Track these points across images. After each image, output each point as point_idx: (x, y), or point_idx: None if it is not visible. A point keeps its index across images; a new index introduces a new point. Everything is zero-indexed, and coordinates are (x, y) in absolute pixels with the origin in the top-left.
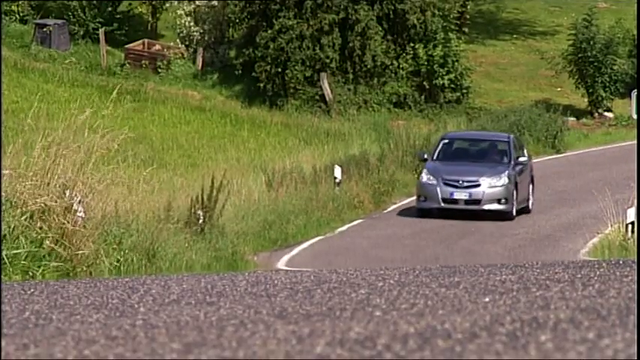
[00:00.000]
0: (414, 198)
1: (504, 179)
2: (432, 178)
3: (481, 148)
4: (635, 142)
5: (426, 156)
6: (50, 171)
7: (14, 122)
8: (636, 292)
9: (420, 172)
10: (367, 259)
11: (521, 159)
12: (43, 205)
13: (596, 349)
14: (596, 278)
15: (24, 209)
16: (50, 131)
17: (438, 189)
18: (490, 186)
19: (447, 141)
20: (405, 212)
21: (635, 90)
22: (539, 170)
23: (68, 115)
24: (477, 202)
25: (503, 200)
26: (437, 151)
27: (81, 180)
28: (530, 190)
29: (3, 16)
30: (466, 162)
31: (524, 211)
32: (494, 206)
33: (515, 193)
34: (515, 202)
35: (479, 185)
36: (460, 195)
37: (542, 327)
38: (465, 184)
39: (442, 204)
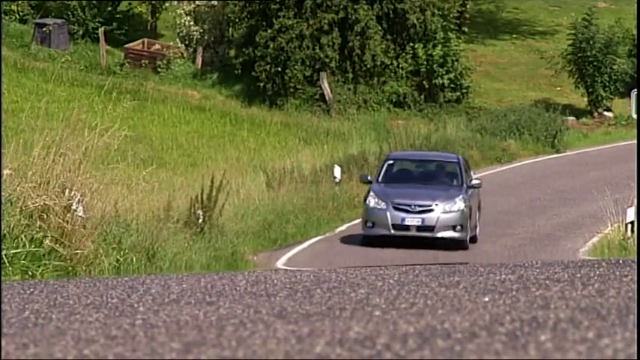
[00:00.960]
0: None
1: (460, 204)
2: (380, 202)
3: (430, 169)
4: (635, 141)
5: (369, 178)
6: (49, 170)
7: (14, 122)
8: (636, 291)
9: (366, 196)
10: (367, 259)
11: (474, 182)
12: (42, 204)
13: (595, 349)
14: (595, 278)
15: (24, 208)
16: (49, 131)
17: (388, 214)
18: (444, 211)
19: (392, 162)
20: None
21: (635, 90)
22: (539, 170)
23: (68, 115)
24: (430, 229)
25: (458, 227)
26: (382, 173)
27: (80, 179)
28: (478, 217)
29: (3, 15)
30: (416, 185)
31: (471, 240)
32: (449, 234)
33: (469, 219)
34: (469, 230)
35: (432, 210)
36: (412, 221)
37: (541, 326)
38: (418, 208)
39: (392, 231)
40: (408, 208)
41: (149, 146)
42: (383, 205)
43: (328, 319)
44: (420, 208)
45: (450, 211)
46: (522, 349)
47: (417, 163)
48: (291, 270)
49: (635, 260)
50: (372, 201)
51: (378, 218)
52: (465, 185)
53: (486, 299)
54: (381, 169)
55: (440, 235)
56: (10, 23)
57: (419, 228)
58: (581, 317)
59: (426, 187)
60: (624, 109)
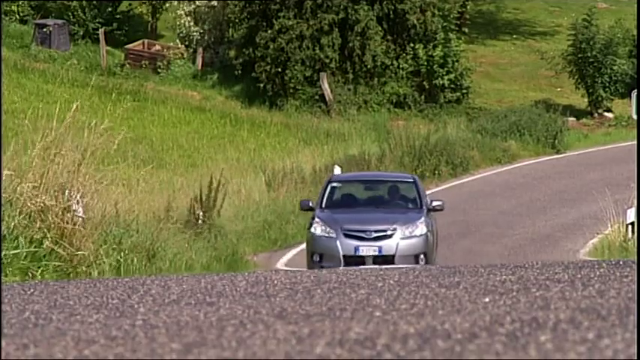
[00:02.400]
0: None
1: (422, 228)
2: (328, 229)
3: (381, 191)
4: (635, 142)
5: (311, 204)
6: (49, 171)
7: (14, 123)
8: (636, 292)
9: (310, 224)
10: None
11: (436, 203)
12: (42, 204)
13: (595, 350)
14: (596, 278)
15: (23, 209)
16: (49, 131)
17: (338, 243)
18: (404, 236)
19: (336, 184)
20: None
21: (635, 90)
22: (539, 171)
23: (68, 116)
24: (389, 258)
25: (422, 256)
26: (325, 198)
27: (80, 180)
28: (436, 246)
29: (3, 16)
30: (367, 209)
31: None
32: (411, 264)
33: (434, 248)
34: (433, 261)
35: (390, 236)
36: (368, 250)
37: (542, 327)
38: (374, 234)
39: (343, 264)
40: (362, 234)
41: (149, 147)
42: (331, 232)
43: (328, 320)
44: (377, 234)
45: (412, 236)
46: (522, 350)
47: (366, 184)
48: (292, 270)
49: (636, 261)
50: (317, 229)
51: (325, 249)
52: (424, 208)
53: (487, 300)
54: (324, 194)
55: (401, 265)
56: (10, 24)
57: (375, 259)
58: (582, 318)
59: (381, 210)
60: (624, 110)
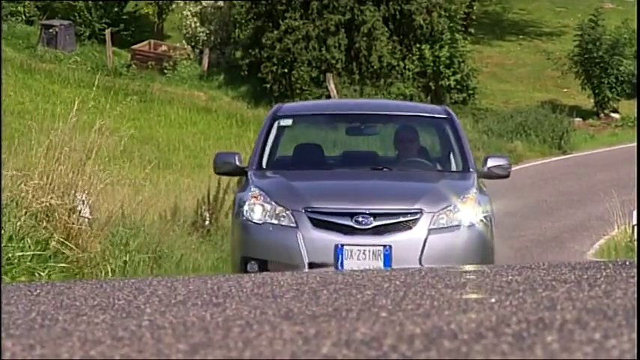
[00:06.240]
0: None
1: (473, 208)
2: (278, 210)
3: (383, 137)
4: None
5: (237, 159)
6: (54, 171)
7: (20, 123)
8: (636, 292)
9: (239, 202)
10: None
11: (495, 162)
12: (48, 204)
13: (602, 350)
14: (602, 279)
15: (29, 209)
16: (54, 131)
17: (300, 239)
18: (438, 227)
19: (289, 122)
20: None
21: None
22: (545, 172)
23: (73, 116)
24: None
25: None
26: (268, 148)
27: (84, 179)
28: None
29: (9, 17)
30: (356, 171)
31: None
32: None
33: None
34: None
35: (409, 226)
36: (362, 253)
37: (548, 327)
38: (373, 221)
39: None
40: (348, 222)
41: (156, 147)
42: (285, 216)
43: (335, 321)
44: (380, 221)
45: (453, 227)
46: (529, 350)
47: (350, 123)
48: (298, 271)
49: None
50: (255, 210)
51: (272, 251)
52: (473, 170)
53: (493, 300)
54: (265, 140)
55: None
56: (16, 24)
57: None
58: (588, 318)
59: (385, 174)
60: (631, 111)
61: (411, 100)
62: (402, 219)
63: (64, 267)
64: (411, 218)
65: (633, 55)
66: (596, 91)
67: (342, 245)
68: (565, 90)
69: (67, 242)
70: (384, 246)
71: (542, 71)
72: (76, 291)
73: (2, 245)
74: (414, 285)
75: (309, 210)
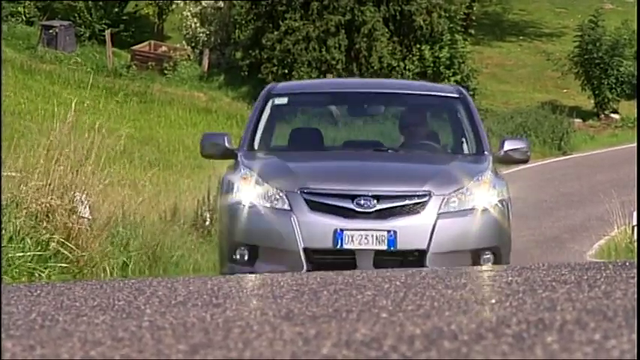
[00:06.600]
0: None
1: (488, 192)
2: (271, 192)
3: (388, 117)
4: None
5: (227, 141)
6: (54, 171)
7: (20, 124)
8: (636, 293)
9: (226, 186)
10: None
11: (512, 145)
12: (48, 205)
13: (602, 350)
14: (602, 280)
15: (29, 210)
16: (53, 131)
17: (294, 222)
18: (448, 211)
19: (284, 100)
20: None
21: None
22: (545, 173)
23: (72, 116)
24: (413, 256)
25: (487, 254)
26: (261, 128)
27: (85, 181)
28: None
29: (9, 17)
30: (358, 152)
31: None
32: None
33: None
34: (509, 257)
35: (416, 209)
36: (364, 239)
37: (548, 328)
38: (377, 204)
39: (305, 265)
40: (349, 204)
41: (156, 148)
42: (279, 199)
43: (335, 321)
44: (384, 204)
45: (465, 210)
46: (529, 351)
47: (351, 102)
48: (298, 272)
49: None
50: (247, 192)
51: (265, 235)
52: (488, 153)
53: (493, 301)
54: (258, 120)
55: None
56: (16, 25)
57: (381, 259)
58: (588, 319)
59: (390, 155)
60: (631, 111)
61: None
62: (408, 202)
63: (64, 267)
64: (419, 201)
65: (633, 55)
66: (596, 92)
67: (342, 230)
68: (565, 91)
69: (67, 243)
70: (388, 231)
71: (542, 72)
72: (76, 291)
73: (2, 246)
74: (415, 286)
75: (305, 191)
